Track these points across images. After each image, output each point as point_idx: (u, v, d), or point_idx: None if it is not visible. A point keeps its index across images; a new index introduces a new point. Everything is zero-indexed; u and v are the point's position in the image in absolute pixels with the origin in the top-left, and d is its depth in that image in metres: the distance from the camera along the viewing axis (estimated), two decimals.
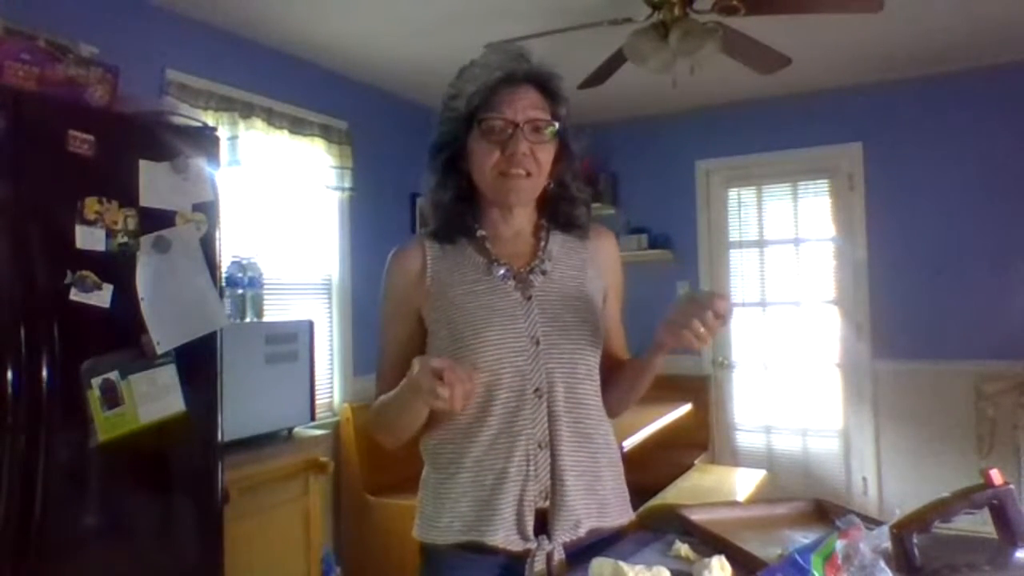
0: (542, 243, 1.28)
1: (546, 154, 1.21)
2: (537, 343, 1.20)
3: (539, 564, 1.16)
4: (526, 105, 1.19)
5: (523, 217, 1.28)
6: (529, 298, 1.22)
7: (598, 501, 1.22)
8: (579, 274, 1.28)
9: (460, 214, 1.26)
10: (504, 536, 1.16)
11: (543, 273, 1.25)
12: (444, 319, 1.23)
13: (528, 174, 1.20)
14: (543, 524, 1.18)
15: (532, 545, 1.16)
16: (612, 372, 1.32)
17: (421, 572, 1.27)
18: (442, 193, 1.26)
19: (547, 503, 1.18)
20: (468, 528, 1.18)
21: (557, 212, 1.30)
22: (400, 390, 1.15)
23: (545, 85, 1.22)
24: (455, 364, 1.05)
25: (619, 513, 1.27)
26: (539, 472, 1.18)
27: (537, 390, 1.19)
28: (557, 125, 1.21)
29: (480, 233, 1.27)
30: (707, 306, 1.08)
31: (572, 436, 1.20)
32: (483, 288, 1.23)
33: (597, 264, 1.32)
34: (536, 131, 1.19)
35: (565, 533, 1.18)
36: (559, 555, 1.17)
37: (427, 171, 1.27)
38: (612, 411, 1.33)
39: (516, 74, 1.19)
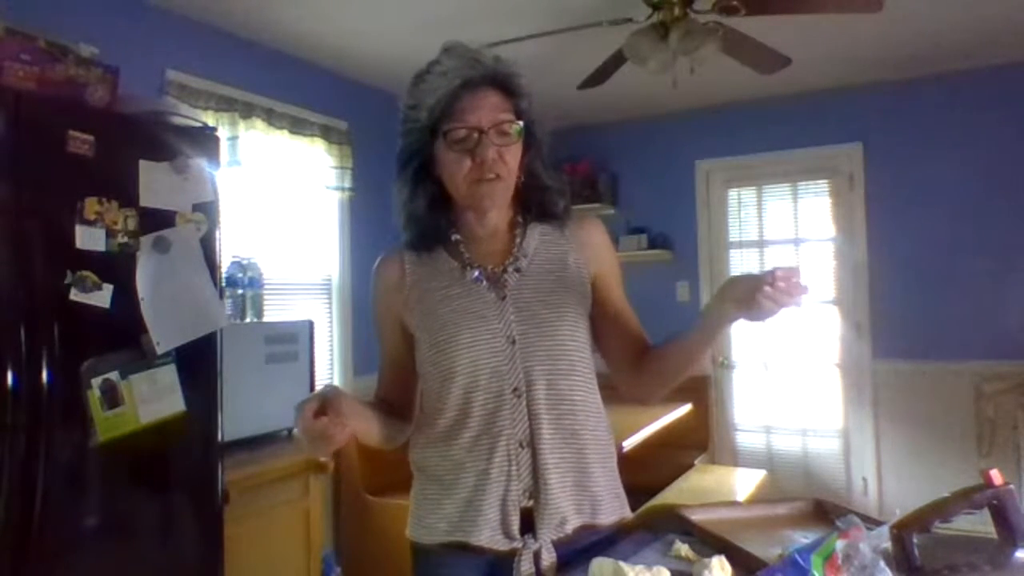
0: (517, 240, 1.27)
1: (513, 155, 1.20)
2: (513, 342, 1.19)
3: (526, 564, 1.15)
4: (489, 109, 1.17)
5: (498, 216, 1.27)
6: (503, 298, 1.22)
7: (588, 498, 1.22)
8: (559, 266, 1.26)
9: (434, 222, 1.26)
10: (489, 536, 1.17)
11: (518, 271, 1.24)
12: (422, 325, 1.24)
13: (499, 177, 1.18)
14: (528, 523, 1.17)
15: (518, 544, 1.16)
16: (642, 356, 1.27)
17: (412, 571, 1.29)
18: (415, 203, 1.25)
19: (531, 502, 1.18)
20: (453, 528, 1.19)
21: (531, 203, 1.28)
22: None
23: (504, 84, 1.20)
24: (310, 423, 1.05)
25: (612, 510, 1.26)
26: (521, 471, 1.18)
27: (516, 389, 1.18)
28: (522, 124, 1.20)
29: (455, 237, 1.27)
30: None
31: (555, 433, 1.19)
32: (457, 292, 1.23)
33: (581, 252, 1.28)
34: (502, 134, 1.17)
35: (551, 531, 1.17)
36: (548, 555, 1.16)
37: (397, 183, 1.27)
38: (646, 398, 1.30)
39: (474, 79, 1.17)
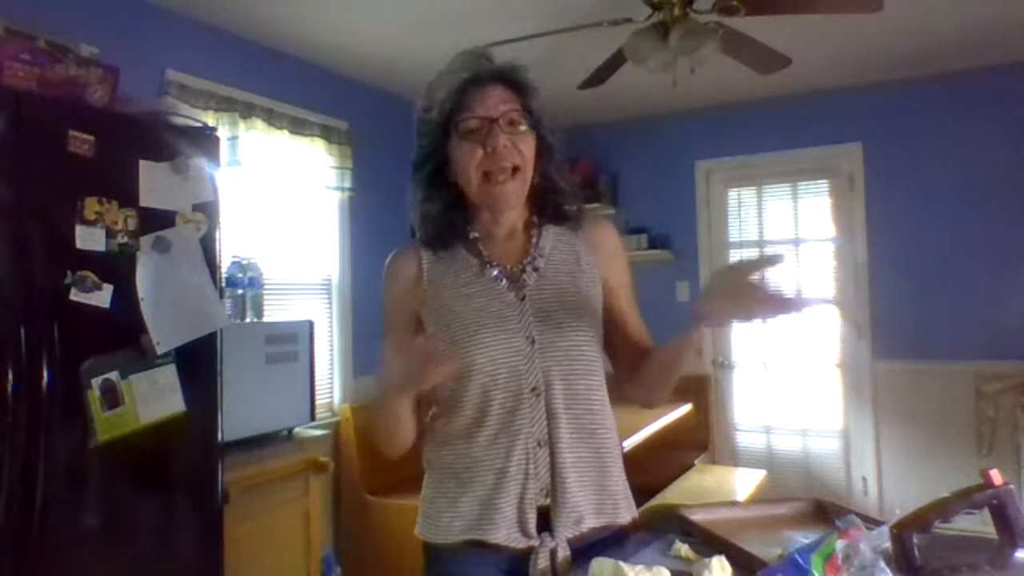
0: (534, 240, 1.28)
1: (527, 146, 1.21)
2: (532, 342, 1.20)
3: (543, 561, 1.16)
4: (497, 100, 1.19)
5: (514, 216, 1.28)
6: (523, 298, 1.22)
7: (604, 496, 1.22)
8: (573, 267, 1.27)
9: (450, 222, 1.26)
10: (506, 534, 1.17)
11: (535, 270, 1.25)
12: (440, 323, 1.24)
13: (515, 168, 1.19)
14: (546, 521, 1.18)
15: (535, 542, 1.17)
16: (640, 361, 1.29)
17: (425, 570, 1.28)
18: (430, 205, 1.26)
19: (548, 500, 1.18)
20: (470, 527, 1.19)
21: (546, 205, 1.29)
22: (379, 391, 1.16)
23: (511, 79, 1.22)
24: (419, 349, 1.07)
25: (625, 509, 1.27)
26: (539, 470, 1.18)
27: (534, 389, 1.19)
28: (532, 120, 1.21)
29: (473, 235, 1.27)
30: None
31: (572, 433, 1.20)
32: (476, 290, 1.23)
33: (592, 253, 1.30)
34: (512, 124, 1.19)
35: (567, 529, 1.18)
36: (563, 552, 1.17)
37: (412, 185, 1.28)
38: (648, 402, 1.32)
39: (482, 74, 1.20)
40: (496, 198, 1.21)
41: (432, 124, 1.22)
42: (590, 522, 1.20)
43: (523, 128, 1.20)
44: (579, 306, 1.25)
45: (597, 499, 1.21)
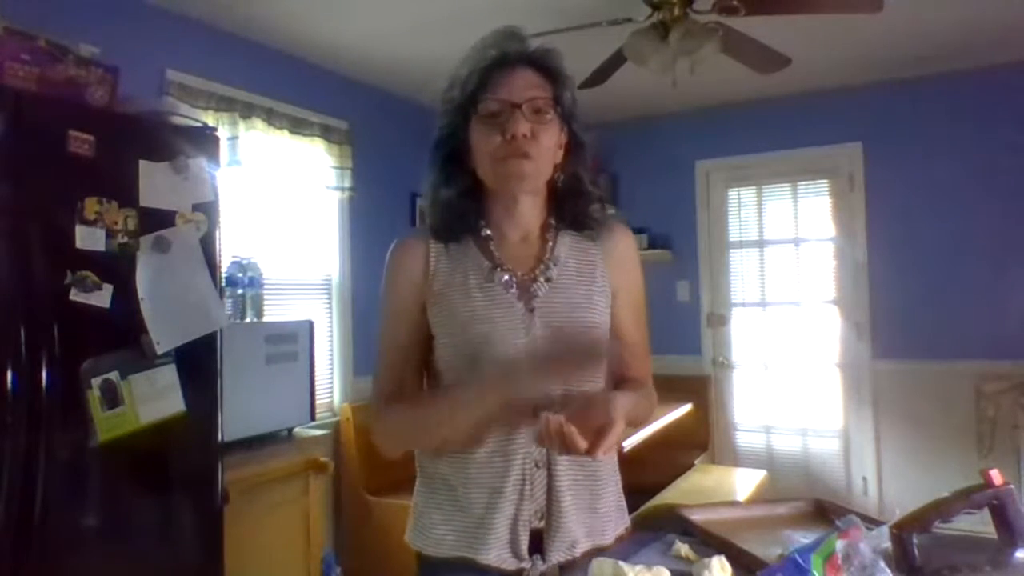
0: (549, 245, 1.20)
1: (549, 137, 1.13)
2: None
3: None
4: (524, 85, 1.11)
5: (531, 214, 1.20)
6: (532, 310, 1.15)
7: (597, 519, 1.19)
8: (588, 279, 1.20)
9: (463, 212, 1.18)
10: (497, 555, 1.14)
11: (548, 280, 1.17)
12: (444, 326, 1.17)
13: (528, 156, 1.11)
14: (538, 543, 1.15)
15: (526, 565, 1.14)
16: (616, 386, 1.24)
17: None
18: (444, 190, 1.18)
19: (542, 523, 1.15)
20: (460, 544, 1.16)
21: (565, 209, 1.21)
22: (473, 397, 1.10)
23: (543, 64, 1.14)
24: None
25: (617, 526, 1.24)
26: (535, 492, 1.14)
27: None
28: (559, 105, 1.14)
29: (485, 232, 1.19)
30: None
31: (571, 456, 1.10)
32: (484, 297, 1.15)
33: (607, 262, 1.22)
34: (537, 112, 1.11)
35: (560, 553, 1.15)
36: (552, 572, 1.15)
37: (428, 169, 1.20)
38: None
39: (510, 54, 1.13)
40: (509, 178, 1.12)
41: (454, 104, 1.14)
42: (583, 546, 1.17)
43: (548, 118, 1.12)
44: (589, 324, 1.17)
45: (590, 522, 1.18)
